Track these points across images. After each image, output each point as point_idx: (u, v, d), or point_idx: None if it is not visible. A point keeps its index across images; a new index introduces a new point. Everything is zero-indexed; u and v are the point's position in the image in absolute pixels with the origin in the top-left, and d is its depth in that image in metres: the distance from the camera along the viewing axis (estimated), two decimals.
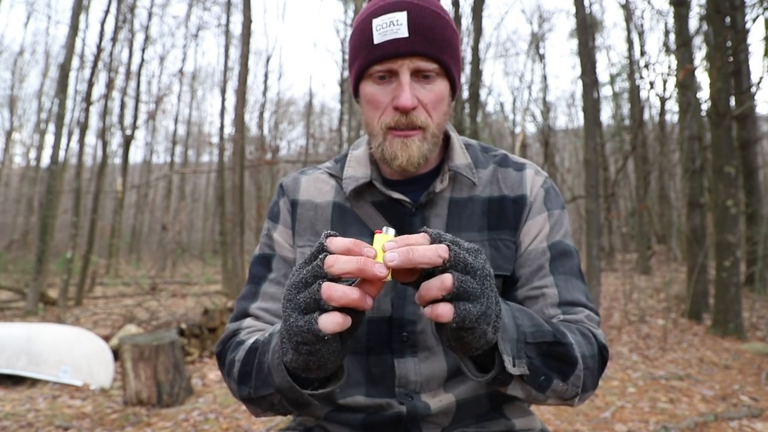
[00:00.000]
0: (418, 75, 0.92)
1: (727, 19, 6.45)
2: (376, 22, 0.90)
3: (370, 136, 0.99)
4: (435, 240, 0.65)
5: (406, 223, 1.00)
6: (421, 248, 0.62)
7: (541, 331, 0.77)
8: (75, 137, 12.81)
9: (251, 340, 0.91)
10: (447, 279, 0.62)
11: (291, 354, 0.70)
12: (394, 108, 0.92)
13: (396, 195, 0.99)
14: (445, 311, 0.62)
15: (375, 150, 0.97)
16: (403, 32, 0.88)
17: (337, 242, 0.65)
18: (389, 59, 0.90)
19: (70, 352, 4.57)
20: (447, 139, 1.07)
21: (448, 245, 0.64)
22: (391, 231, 0.66)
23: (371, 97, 0.94)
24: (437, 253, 0.62)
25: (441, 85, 0.94)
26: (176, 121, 24.34)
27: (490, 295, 0.66)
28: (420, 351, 0.99)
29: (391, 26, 0.89)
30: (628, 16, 14.21)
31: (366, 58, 0.92)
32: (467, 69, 8.39)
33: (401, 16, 0.89)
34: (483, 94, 17.20)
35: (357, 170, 1.04)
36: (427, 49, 0.90)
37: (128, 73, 16.53)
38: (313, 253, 0.67)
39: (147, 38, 17.70)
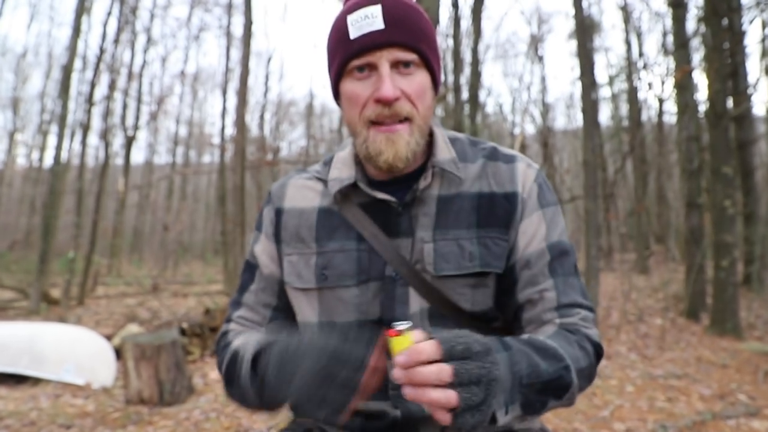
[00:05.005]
0: (397, 66, 0.91)
1: (725, 21, 6.44)
2: (351, 18, 0.90)
3: (353, 135, 0.97)
4: (446, 355, 0.66)
5: (392, 223, 0.98)
6: (424, 372, 0.65)
7: (537, 372, 0.77)
8: (77, 138, 12.80)
9: (234, 345, 0.99)
10: (445, 370, 0.65)
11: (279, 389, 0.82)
12: (375, 101, 0.90)
13: (381, 195, 0.97)
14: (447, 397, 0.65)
15: (359, 148, 0.95)
16: (379, 24, 0.89)
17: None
18: (367, 52, 0.90)
19: (72, 352, 4.53)
20: (431, 135, 1.04)
21: (453, 368, 0.65)
22: (404, 326, 0.68)
23: (351, 94, 0.93)
24: (440, 377, 0.65)
25: (422, 76, 0.93)
26: (178, 121, 24.33)
27: (492, 396, 0.68)
28: None
29: (366, 20, 0.89)
30: (627, 18, 14.16)
31: (343, 55, 0.92)
32: (467, 70, 8.39)
33: (375, 10, 0.89)
34: (482, 95, 17.18)
35: (342, 172, 1.02)
36: (404, 38, 0.89)
37: (130, 74, 16.52)
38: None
39: (149, 40, 17.70)
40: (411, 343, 0.66)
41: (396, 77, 0.90)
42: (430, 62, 0.94)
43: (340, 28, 0.93)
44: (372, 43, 0.89)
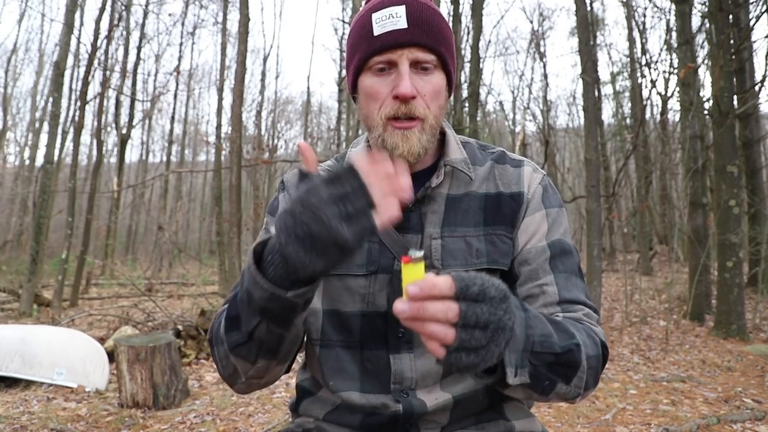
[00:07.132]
0: (416, 66, 0.94)
1: (730, 17, 6.43)
2: (376, 16, 0.94)
3: (369, 129, 1.00)
4: (459, 293, 0.62)
5: (403, 219, 0.98)
6: (432, 308, 0.61)
7: (549, 342, 0.77)
8: (70, 136, 12.62)
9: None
10: (452, 309, 0.62)
11: (301, 255, 0.70)
12: (393, 97, 0.93)
13: None
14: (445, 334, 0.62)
15: (375, 141, 0.97)
16: (402, 24, 0.92)
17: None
18: (389, 50, 0.93)
19: (64, 354, 4.53)
20: (443, 135, 1.08)
21: (461, 309, 0.62)
22: (418, 254, 0.64)
23: (370, 90, 0.96)
24: (447, 316, 0.61)
25: (438, 78, 0.97)
26: (172, 120, 24.20)
27: (496, 344, 0.65)
28: (416, 347, 0.99)
29: (391, 18, 0.92)
30: (630, 14, 14.20)
31: (366, 50, 0.95)
32: (467, 68, 8.36)
33: (400, 9, 0.93)
34: (482, 92, 17.20)
35: None
36: (425, 39, 0.93)
37: (124, 71, 16.45)
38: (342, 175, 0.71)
39: (143, 36, 17.64)
40: (424, 275, 0.63)
41: (414, 77, 0.94)
42: (447, 64, 0.98)
43: (363, 25, 0.96)
44: (395, 41, 0.92)
